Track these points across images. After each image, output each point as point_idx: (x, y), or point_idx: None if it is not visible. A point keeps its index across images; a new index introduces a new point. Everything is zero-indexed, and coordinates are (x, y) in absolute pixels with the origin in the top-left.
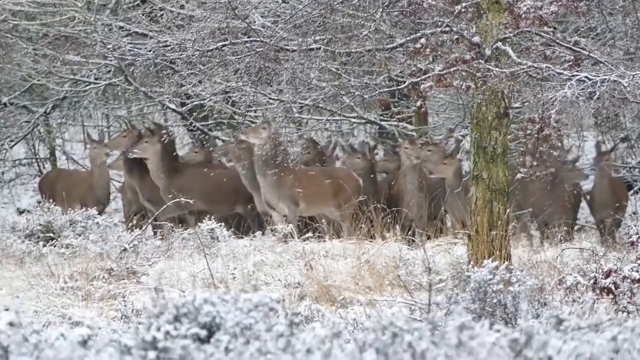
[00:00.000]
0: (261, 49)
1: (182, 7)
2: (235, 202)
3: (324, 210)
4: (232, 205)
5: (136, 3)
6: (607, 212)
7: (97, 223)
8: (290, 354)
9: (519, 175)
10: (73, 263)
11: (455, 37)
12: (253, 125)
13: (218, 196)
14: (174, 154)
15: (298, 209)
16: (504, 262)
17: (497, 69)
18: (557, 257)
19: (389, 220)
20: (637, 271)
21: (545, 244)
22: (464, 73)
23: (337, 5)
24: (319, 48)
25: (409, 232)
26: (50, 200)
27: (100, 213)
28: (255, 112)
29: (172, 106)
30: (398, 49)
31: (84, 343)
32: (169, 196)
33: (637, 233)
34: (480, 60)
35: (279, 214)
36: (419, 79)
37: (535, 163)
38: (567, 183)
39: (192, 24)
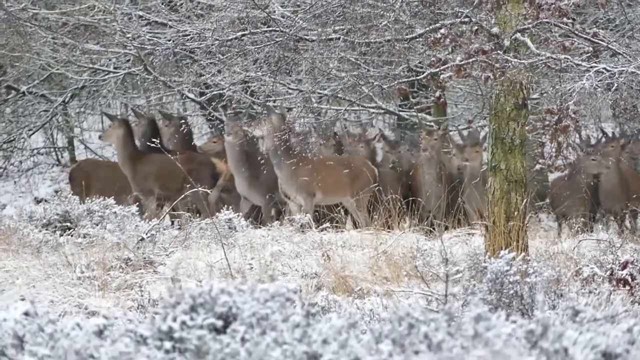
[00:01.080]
0: (280, 39)
1: None
2: (188, 188)
3: (340, 199)
4: (184, 191)
5: None
6: (616, 203)
7: (115, 212)
8: (306, 345)
9: (537, 167)
10: (90, 253)
11: (475, 27)
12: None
13: (173, 182)
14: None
15: (315, 199)
16: (521, 253)
17: (515, 60)
18: (574, 248)
19: (404, 211)
20: None
21: (563, 235)
22: (483, 64)
23: None
24: (339, 38)
25: (427, 223)
26: (83, 191)
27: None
28: (274, 101)
29: (191, 96)
30: (417, 40)
31: (99, 333)
32: (135, 182)
33: None
34: (499, 51)
35: (296, 204)
36: (438, 69)
37: (554, 154)
38: (585, 173)
39: (212, 13)
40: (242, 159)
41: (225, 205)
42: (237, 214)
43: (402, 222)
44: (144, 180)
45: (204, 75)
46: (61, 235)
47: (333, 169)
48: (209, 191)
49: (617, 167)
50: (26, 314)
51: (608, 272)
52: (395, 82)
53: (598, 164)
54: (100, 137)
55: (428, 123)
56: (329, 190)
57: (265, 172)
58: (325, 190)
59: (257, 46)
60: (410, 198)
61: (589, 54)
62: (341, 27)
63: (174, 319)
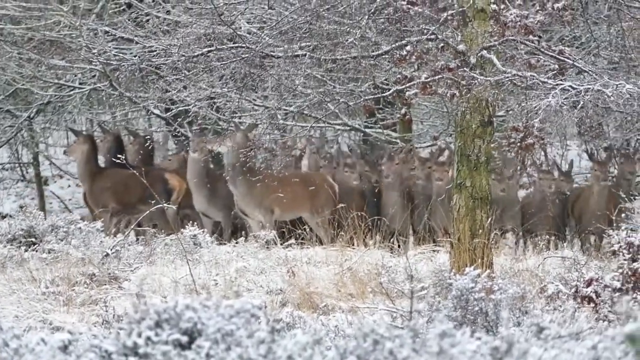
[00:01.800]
0: (247, 55)
1: (168, 12)
2: (142, 202)
3: (300, 215)
4: (137, 206)
5: (122, 8)
6: (594, 222)
7: (80, 228)
8: None
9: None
10: (55, 268)
11: (441, 44)
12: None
13: (127, 196)
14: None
15: (274, 216)
16: (485, 270)
17: (481, 77)
18: (538, 265)
19: (370, 228)
20: (618, 280)
21: (527, 252)
22: (448, 81)
23: (323, 12)
24: (305, 55)
25: (392, 240)
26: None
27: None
28: (240, 118)
29: (157, 112)
30: (383, 56)
31: (64, 348)
32: (92, 197)
33: (618, 242)
34: (465, 68)
35: (255, 220)
36: (404, 86)
37: (519, 171)
38: (547, 191)
39: (178, 29)
40: (205, 176)
41: (190, 222)
42: (202, 230)
43: (366, 239)
44: (100, 195)
45: (169, 91)
46: (26, 250)
47: (291, 185)
48: (173, 206)
49: (606, 187)
50: None
51: (573, 290)
52: (361, 99)
53: (550, 183)
54: (65, 153)
55: (393, 140)
56: (288, 206)
57: (223, 188)
58: (284, 206)
59: (223, 62)
60: (376, 217)
61: (555, 72)
62: (307, 43)
63: (139, 335)
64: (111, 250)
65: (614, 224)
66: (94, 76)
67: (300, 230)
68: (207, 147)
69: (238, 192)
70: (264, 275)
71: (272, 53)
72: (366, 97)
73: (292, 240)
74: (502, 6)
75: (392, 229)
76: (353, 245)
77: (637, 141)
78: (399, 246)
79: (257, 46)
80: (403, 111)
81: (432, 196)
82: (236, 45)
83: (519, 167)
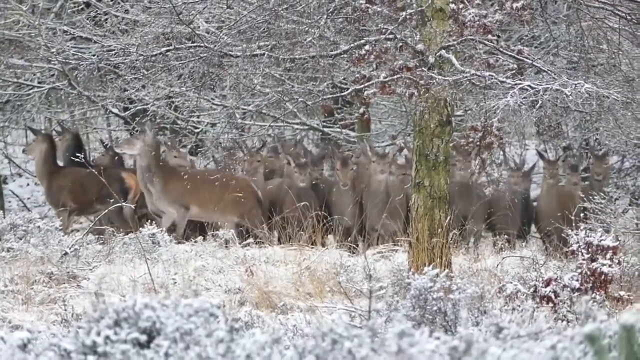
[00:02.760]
0: (205, 55)
1: (126, 11)
2: (99, 201)
3: (223, 219)
4: (94, 205)
5: (80, 7)
6: (550, 222)
7: (39, 227)
8: None
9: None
10: (14, 267)
11: (400, 44)
12: (128, 137)
13: (84, 195)
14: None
15: (188, 213)
16: (444, 269)
17: (440, 77)
18: (497, 265)
19: (327, 228)
20: (577, 280)
21: (486, 251)
22: (407, 80)
23: (282, 12)
24: (263, 54)
25: (350, 239)
26: None
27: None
28: (198, 117)
29: (115, 110)
30: (342, 56)
31: (23, 347)
32: (50, 196)
33: (577, 242)
34: (423, 68)
35: (168, 218)
36: (362, 85)
37: (478, 170)
38: (508, 190)
39: (137, 28)
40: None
41: (149, 221)
42: (160, 229)
43: (325, 238)
44: (58, 194)
45: (128, 90)
46: None
47: (208, 184)
48: (131, 205)
49: (557, 187)
50: None
51: (532, 289)
52: (320, 99)
53: (517, 180)
54: (24, 151)
55: (352, 139)
56: (206, 205)
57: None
58: (201, 204)
59: (182, 62)
60: (335, 216)
61: (514, 71)
62: (266, 43)
63: (98, 334)
64: (70, 249)
65: (573, 224)
66: (52, 75)
67: (259, 230)
68: (117, 150)
69: (155, 190)
70: (223, 275)
71: (230, 52)
72: (324, 97)
73: (251, 240)
74: (461, 5)
75: (348, 229)
76: (312, 244)
77: (596, 140)
78: (357, 245)
79: (215, 45)
80: (361, 110)
81: (389, 195)
82: (194, 44)
83: (477, 166)
